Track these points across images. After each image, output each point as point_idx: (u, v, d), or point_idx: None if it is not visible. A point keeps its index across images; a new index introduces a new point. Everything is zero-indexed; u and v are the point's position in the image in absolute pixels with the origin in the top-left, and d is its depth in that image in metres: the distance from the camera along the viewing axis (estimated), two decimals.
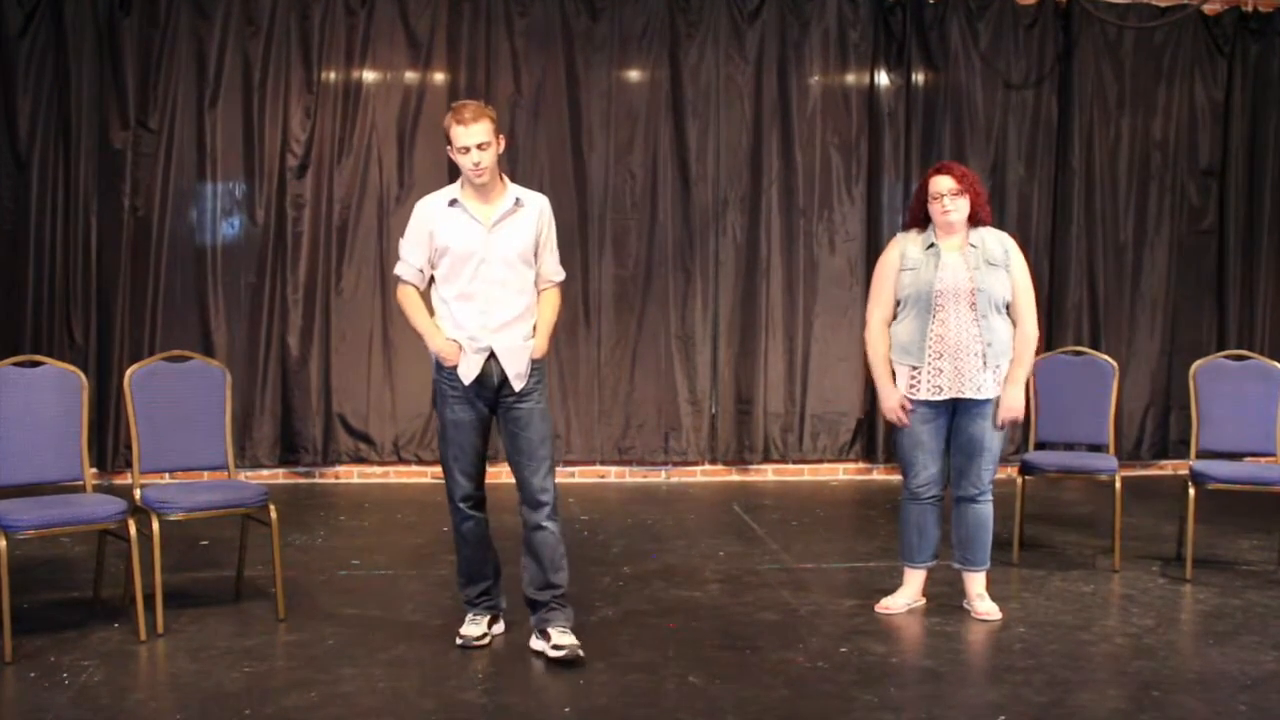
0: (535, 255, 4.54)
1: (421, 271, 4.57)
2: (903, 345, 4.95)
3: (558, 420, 7.81)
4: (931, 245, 4.94)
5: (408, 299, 4.62)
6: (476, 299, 4.45)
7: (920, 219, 5.01)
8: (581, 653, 4.46)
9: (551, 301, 4.62)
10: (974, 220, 4.95)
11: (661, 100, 8.04)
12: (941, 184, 4.90)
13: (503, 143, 4.49)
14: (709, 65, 8.07)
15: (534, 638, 4.60)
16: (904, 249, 5.00)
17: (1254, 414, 5.92)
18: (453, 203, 4.51)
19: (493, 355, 4.46)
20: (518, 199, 4.52)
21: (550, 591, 4.56)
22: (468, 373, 4.47)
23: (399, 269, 4.62)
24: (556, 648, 4.45)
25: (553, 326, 4.61)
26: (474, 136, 4.36)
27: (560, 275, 4.65)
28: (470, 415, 4.52)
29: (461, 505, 4.57)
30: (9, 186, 7.51)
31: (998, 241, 4.97)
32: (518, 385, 4.48)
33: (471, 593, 4.66)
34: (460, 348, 4.46)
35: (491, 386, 4.49)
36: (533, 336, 4.52)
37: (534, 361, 4.52)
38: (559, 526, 4.58)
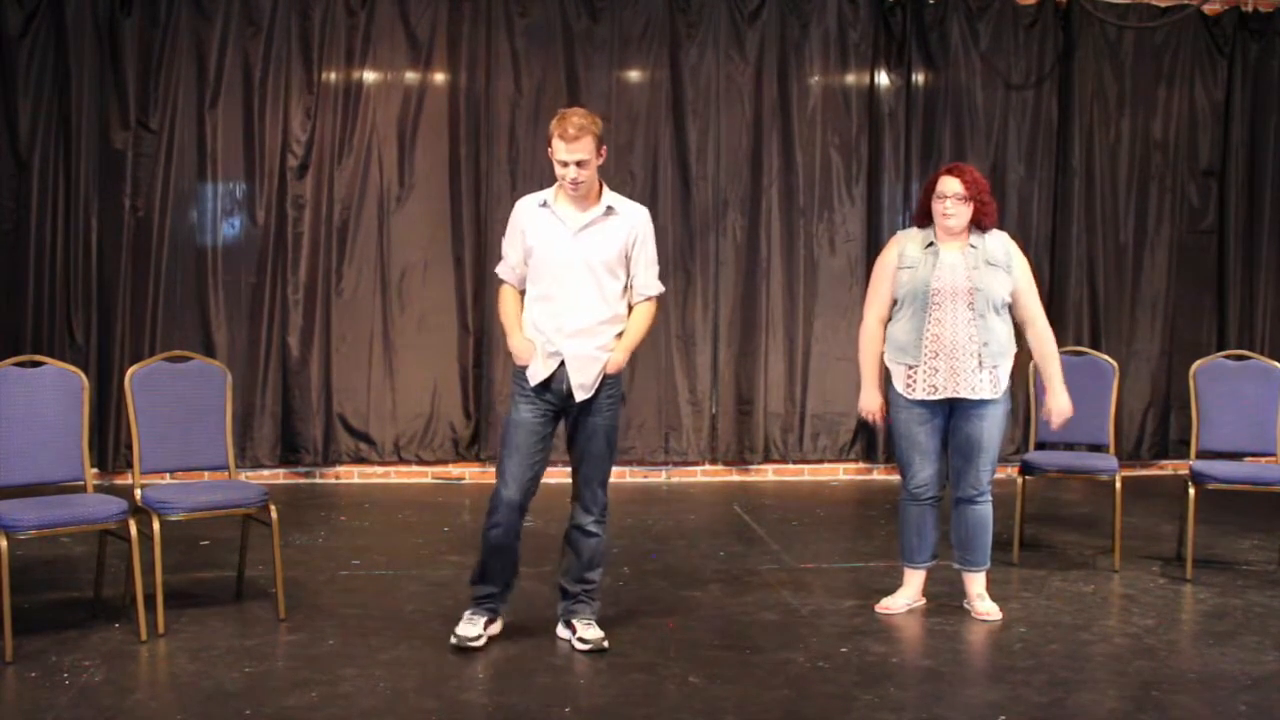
0: (627, 267, 4.51)
1: (515, 270, 4.59)
2: (900, 344, 4.96)
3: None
4: (931, 244, 4.94)
5: (502, 297, 4.67)
6: (555, 302, 4.46)
7: (925, 214, 5.01)
8: (606, 644, 4.56)
9: (642, 316, 4.58)
10: (978, 226, 4.95)
11: (661, 100, 8.04)
12: (948, 186, 4.89)
13: (603, 154, 4.47)
14: (709, 65, 8.07)
15: (561, 625, 4.71)
16: (903, 248, 5.00)
17: (1254, 414, 5.93)
18: (544, 204, 4.53)
19: (562, 361, 4.46)
20: (610, 207, 4.51)
21: (582, 585, 4.66)
22: (535, 374, 4.47)
23: (498, 268, 4.69)
24: (582, 640, 4.57)
25: (638, 341, 4.59)
26: (575, 153, 4.36)
27: (655, 289, 4.60)
28: (531, 417, 4.51)
29: (498, 509, 4.52)
30: (9, 186, 7.50)
31: (999, 243, 4.97)
32: (580, 395, 4.47)
33: (477, 592, 4.65)
34: (534, 348, 4.47)
35: (560, 394, 4.49)
36: (611, 349, 4.50)
37: (608, 376, 4.50)
38: (605, 530, 4.68)
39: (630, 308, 4.58)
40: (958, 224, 4.89)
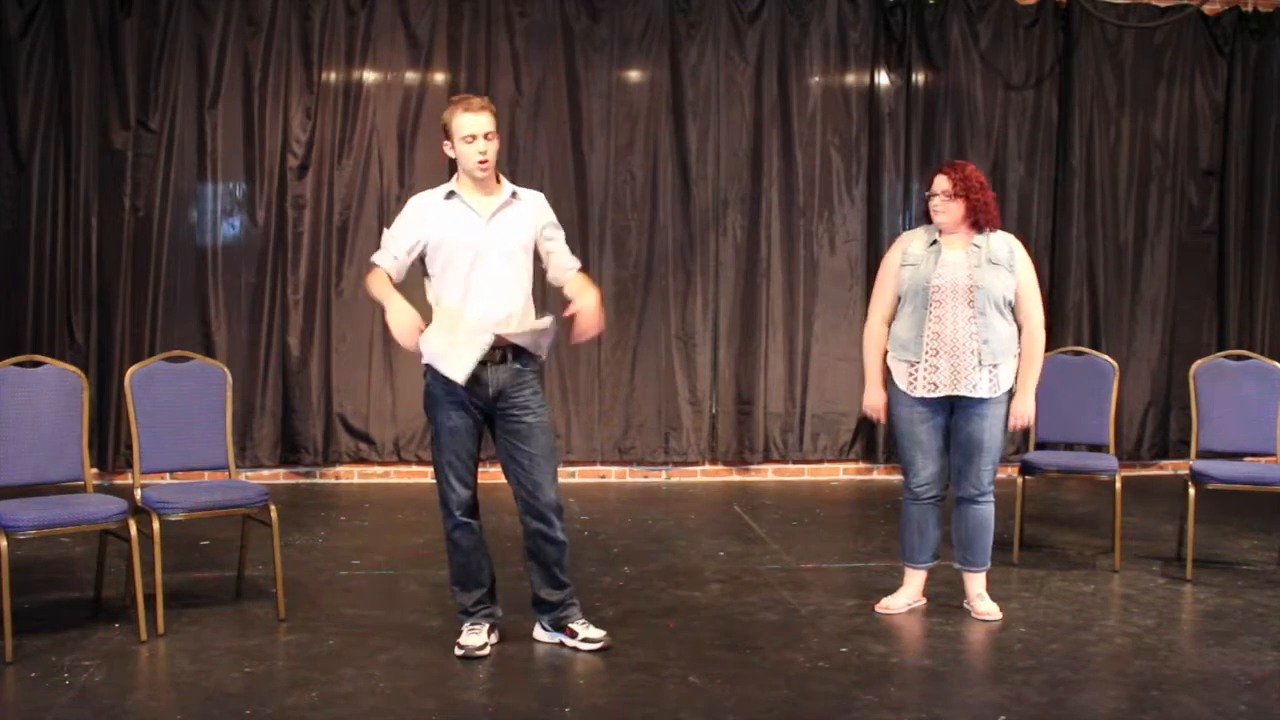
0: (535, 249, 4.53)
1: (397, 259, 4.49)
2: (901, 341, 4.97)
3: (558, 421, 7.81)
4: (934, 242, 4.96)
5: (374, 277, 4.51)
6: (474, 292, 4.41)
7: (927, 213, 5.03)
8: (610, 642, 4.57)
9: (587, 282, 4.51)
10: (977, 225, 4.94)
11: (661, 100, 8.04)
12: (937, 183, 4.94)
13: (501, 141, 4.49)
14: (709, 65, 8.07)
15: (541, 629, 4.67)
16: (906, 246, 5.03)
17: (1254, 414, 5.93)
18: (450, 195, 4.49)
19: (486, 362, 4.40)
20: (515, 192, 4.52)
21: (560, 591, 4.61)
22: (457, 369, 4.37)
23: (376, 256, 4.53)
24: (588, 640, 4.56)
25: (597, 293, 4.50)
26: (482, 125, 4.35)
27: (577, 263, 4.61)
28: (466, 420, 4.48)
29: (456, 513, 4.51)
30: (9, 186, 7.50)
31: (1003, 242, 4.97)
32: (520, 340, 4.38)
33: (467, 601, 4.60)
34: (417, 320, 4.32)
35: (486, 397, 4.45)
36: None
37: (529, 372, 4.46)
38: (565, 532, 4.57)
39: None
40: (946, 220, 4.91)
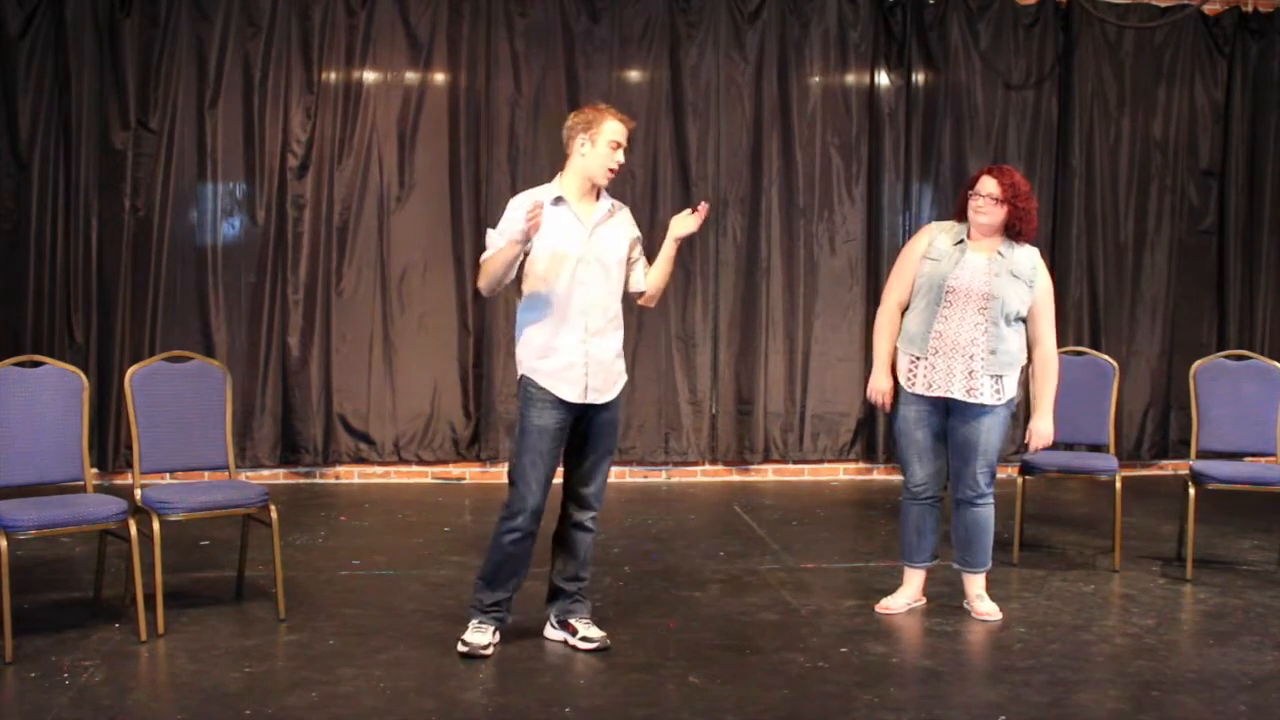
0: (628, 260, 4.61)
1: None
2: (910, 334, 4.97)
3: None
4: (961, 242, 4.94)
5: (483, 261, 4.50)
6: (574, 301, 4.44)
7: (962, 210, 5.00)
8: (609, 642, 4.57)
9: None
10: (1013, 234, 4.94)
11: (661, 100, 8.04)
12: (985, 185, 4.90)
13: None
14: (709, 65, 8.07)
15: (551, 627, 4.70)
16: (934, 238, 5.00)
17: (1254, 414, 5.93)
18: (558, 200, 4.49)
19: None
20: (612, 205, 4.57)
21: (577, 583, 4.66)
22: (571, 392, 4.43)
23: (484, 255, 4.52)
24: (586, 639, 4.59)
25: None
26: (625, 138, 4.47)
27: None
28: (555, 420, 4.47)
29: (519, 517, 4.46)
30: (10, 186, 7.50)
31: (1027, 257, 4.97)
32: (591, 397, 4.47)
33: (487, 599, 4.59)
34: (540, 207, 4.31)
35: (580, 403, 4.50)
36: (621, 354, 4.57)
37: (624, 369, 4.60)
38: (598, 525, 4.69)
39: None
40: (988, 222, 4.89)
